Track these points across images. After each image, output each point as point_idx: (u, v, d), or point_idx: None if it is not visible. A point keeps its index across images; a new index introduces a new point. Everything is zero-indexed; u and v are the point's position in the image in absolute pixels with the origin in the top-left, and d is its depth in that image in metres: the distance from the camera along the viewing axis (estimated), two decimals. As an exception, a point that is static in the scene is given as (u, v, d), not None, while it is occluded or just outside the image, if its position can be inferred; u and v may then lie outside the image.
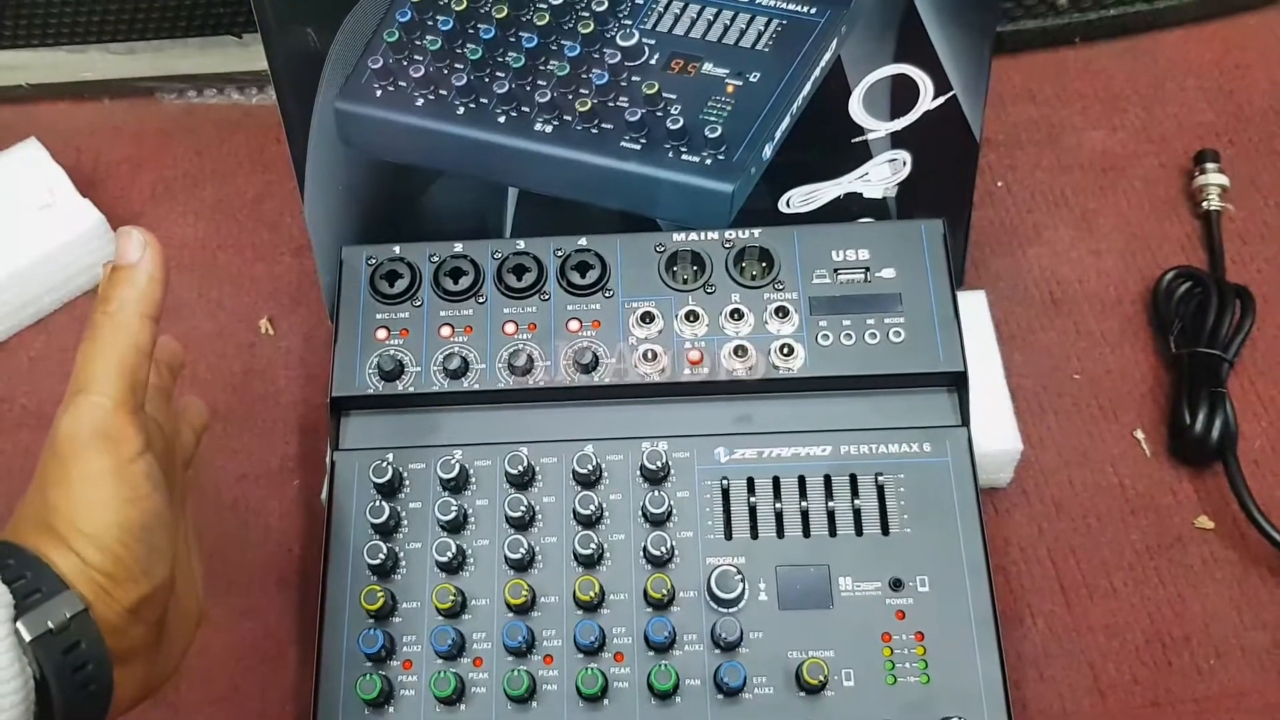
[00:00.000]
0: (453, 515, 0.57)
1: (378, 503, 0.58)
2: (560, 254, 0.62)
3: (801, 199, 0.66)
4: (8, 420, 0.71)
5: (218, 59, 0.83)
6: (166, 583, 0.47)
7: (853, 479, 0.58)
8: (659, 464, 0.58)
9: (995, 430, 0.63)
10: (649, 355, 0.60)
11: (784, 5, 0.61)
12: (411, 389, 0.60)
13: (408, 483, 0.59)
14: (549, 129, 0.62)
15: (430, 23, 0.62)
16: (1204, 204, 0.74)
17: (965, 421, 0.59)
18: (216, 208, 0.78)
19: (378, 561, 0.56)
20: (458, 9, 0.61)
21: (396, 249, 0.63)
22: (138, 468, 0.45)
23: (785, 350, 0.60)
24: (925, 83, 0.62)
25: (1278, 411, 0.67)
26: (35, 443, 0.69)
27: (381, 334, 0.61)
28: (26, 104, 0.84)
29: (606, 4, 0.61)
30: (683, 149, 0.62)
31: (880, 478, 0.58)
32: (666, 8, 0.62)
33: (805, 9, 0.61)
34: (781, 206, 0.67)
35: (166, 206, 0.79)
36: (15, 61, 0.82)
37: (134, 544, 0.45)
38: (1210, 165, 0.75)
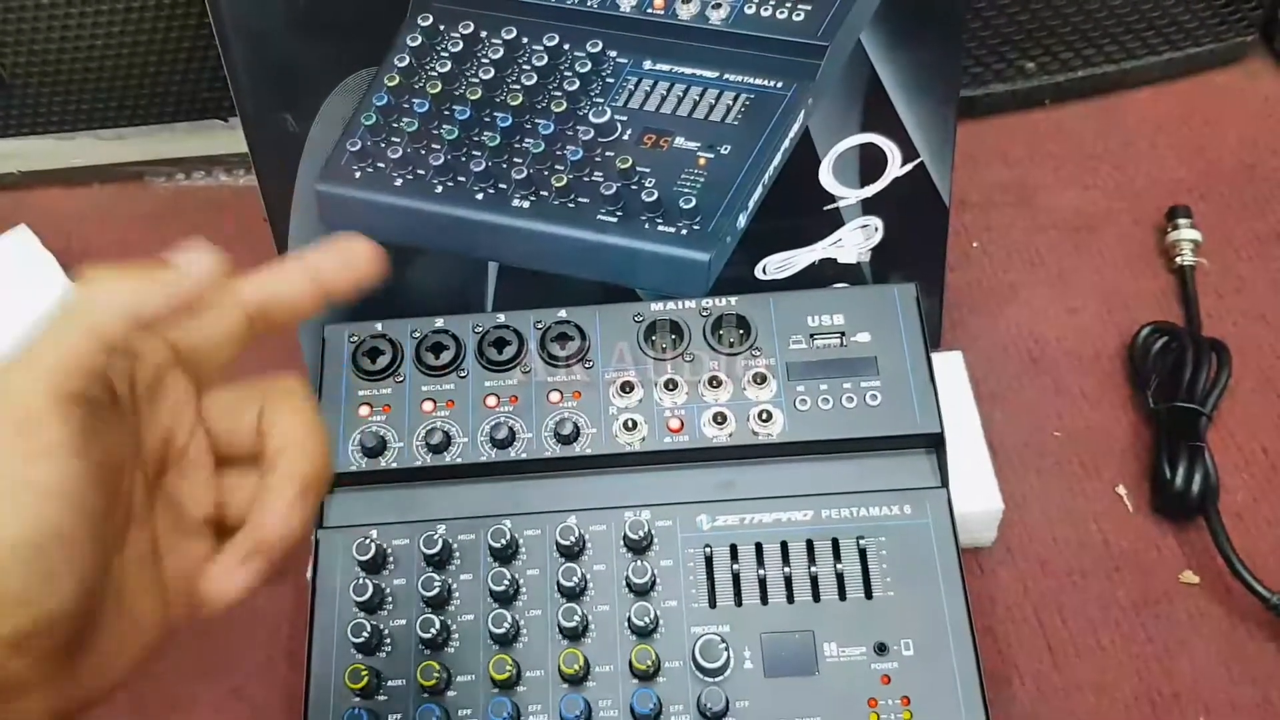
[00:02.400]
0: (436, 591, 0.57)
1: (361, 580, 0.58)
2: (540, 326, 0.63)
3: (777, 266, 0.67)
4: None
5: (204, 142, 0.84)
6: (71, 609, 0.37)
7: (835, 543, 0.58)
8: (641, 533, 0.58)
9: (976, 490, 0.63)
10: (629, 425, 0.60)
11: (751, 80, 0.62)
12: (394, 465, 0.60)
13: (391, 559, 0.59)
14: (526, 204, 0.64)
15: (406, 105, 0.63)
16: (1178, 259, 0.75)
17: (944, 482, 0.59)
18: (204, 288, 0.79)
19: (362, 639, 0.56)
20: (433, 92, 0.63)
21: (378, 326, 0.64)
22: (45, 469, 0.36)
23: (764, 416, 0.60)
24: (893, 151, 0.64)
25: (1258, 464, 0.68)
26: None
27: (364, 410, 0.62)
28: (16, 190, 0.85)
29: (578, 83, 0.63)
30: (659, 220, 0.63)
31: (862, 541, 0.58)
32: (637, 85, 0.63)
33: (772, 83, 0.62)
34: (758, 273, 0.68)
35: (154, 288, 0.80)
36: (7, 149, 0.84)
37: (13, 565, 0.35)
38: (1182, 221, 0.76)
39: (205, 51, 0.79)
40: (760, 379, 0.61)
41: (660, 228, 0.63)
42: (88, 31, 0.78)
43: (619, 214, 0.63)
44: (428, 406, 0.62)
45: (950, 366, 0.67)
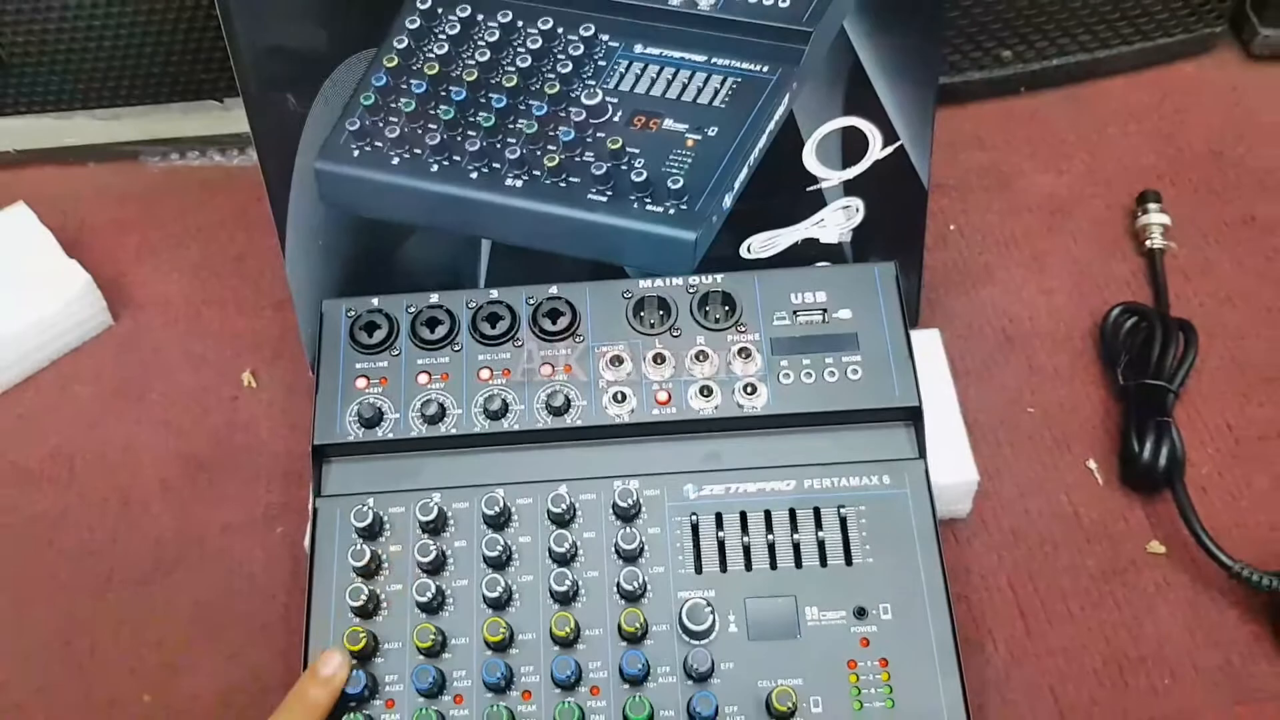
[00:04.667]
0: (432, 557, 0.59)
1: (359, 546, 0.60)
2: (532, 302, 0.65)
3: (761, 245, 0.70)
4: (-3, 476, 0.73)
5: (200, 123, 0.86)
6: None
7: (816, 512, 0.60)
8: (630, 502, 0.60)
9: (953, 462, 0.65)
10: (619, 397, 0.62)
11: (738, 64, 0.64)
12: (391, 435, 0.62)
13: (388, 526, 0.61)
14: (519, 184, 0.65)
15: (404, 86, 0.65)
16: (1147, 242, 0.78)
17: (922, 454, 0.61)
18: (200, 266, 0.81)
19: (359, 603, 0.58)
20: (430, 73, 0.65)
21: (375, 301, 0.66)
22: None
23: (749, 390, 0.62)
24: (874, 134, 0.66)
25: (1223, 439, 0.70)
26: (22, 500, 0.71)
27: (361, 383, 0.64)
28: (14, 169, 0.87)
29: (571, 66, 0.65)
30: (647, 200, 0.65)
31: (842, 510, 0.60)
32: (628, 68, 0.65)
33: (758, 67, 0.64)
34: (743, 252, 0.70)
35: (151, 265, 0.81)
36: (4, 128, 0.85)
37: None
38: (1152, 205, 0.78)
39: (202, 33, 0.80)
40: (745, 354, 0.63)
41: (649, 207, 0.65)
42: (86, 11, 0.79)
43: (609, 193, 0.65)
44: (423, 379, 0.64)
45: (928, 344, 0.69)
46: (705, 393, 0.62)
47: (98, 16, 0.79)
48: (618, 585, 0.58)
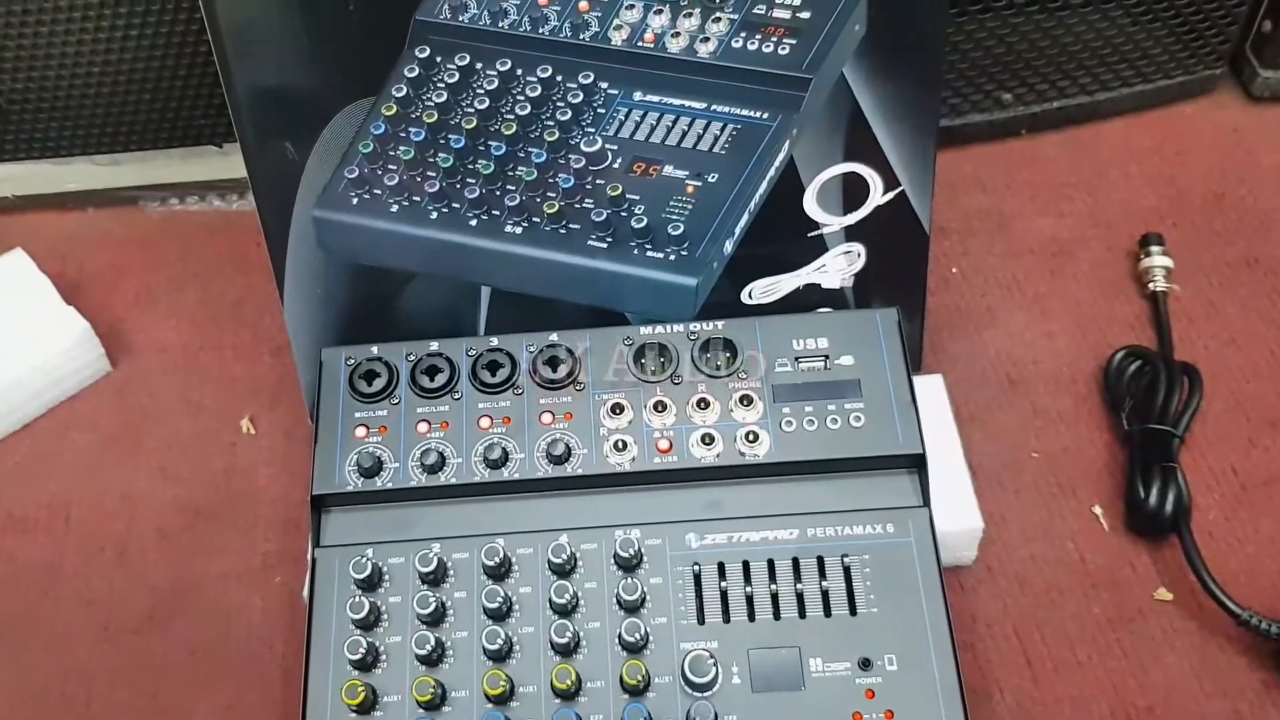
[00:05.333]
0: (431, 608, 0.58)
1: (358, 598, 0.59)
2: (532, 349, 0.65)
3: (762, 291, 0.69)
4: (-8, 525, 0.72)
5: (199, 168, 0.86)
6: None
7: (820, 561, 0.60)
8: (632, 552, 0.59)
9: (957, 509, 0.65)
10: (620, 445, 0.62)
11: (738, 111, 0.64)
12: (390, 485, 0.62)
13: (387, 577, 0.60)
14: (519, 230, 0.65)
15: (403, 134, 0.65)
16: (1150, 285, 0.77)
17: (926, 502, 0.61)
18: (198, 311, 0.81)
19: (358, 656, 0.57)
20: (429, 121, 0.65)
21: (374, 349, 0.65)
22: None
23: (751, 437, 0.62)
24: (874, 180, 0.66)
25: (1229, 484, 0.70)
26: (19, 549, 0.71)
27: (360, 432, 0.63)
28: (12, 214, 0.87)
29: (570, 113, 0.65)
30: (647, 246, 0.65)
31: (846, 559, 0.60)
32: (627, 115, 0.65)
33: (758, 114, 0.64)
34: (744, 298, 0.69)
35: (150, 311, 0.81)
36: (4, 174, 0.85)
37: None
38: (1155, 248, 0.78)
39: (200, 80, 0.80)
40: (747, 401, 0.63)
41: (649, 253, 0.65)
42: (85, 59, 0.79)
43: (609, 240, 0.65)
44: (423, 428, 0.63)
45: (932, 389, 0.69)
46: (707, 440, 0.62)
47: (97, 63, 0.79)
48: (619, 636, 0.58)
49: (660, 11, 0.63)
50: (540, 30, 0.64)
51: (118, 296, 0.82)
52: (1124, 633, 0.65)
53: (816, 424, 0.62)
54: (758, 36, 0.63)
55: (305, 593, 0.61)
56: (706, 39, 0.63)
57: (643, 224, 0.64)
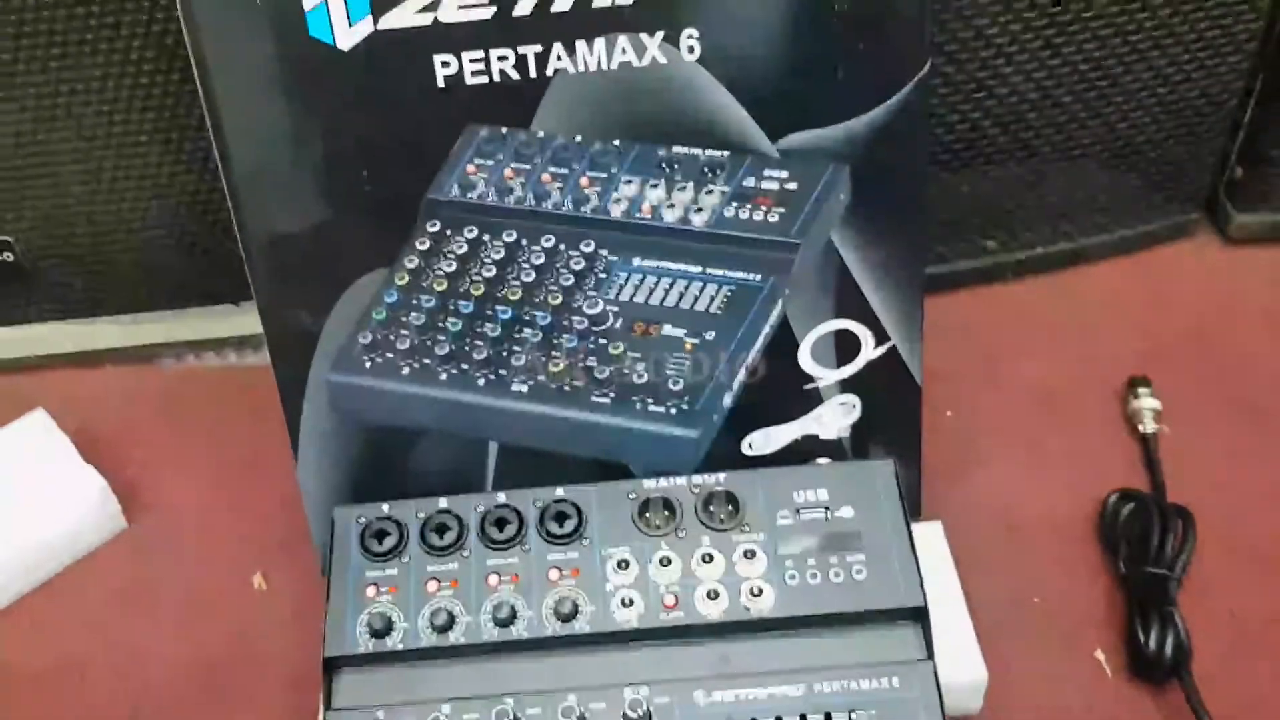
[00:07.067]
0: (442, 770, 0.59)
1: (369, 761, 0.59)
2: (539, 505, 0.66)
3: (761, 442, 0.71)
4: (7, 686, 0.72)
5: (218, 324, 0.88)
6: None
7: (827, 717, 0.60)
8: (641, 712, 0.60)
9: (961, 660, 0.66)
10: (626, 601, 0.63)
11: (732, 274, 0.67)
12: (400, 645, 0.63)
13: (398, 739, 0.61)
14: (525, 388, 0.68)
15: (415, 302, 0.68)
16: (1140, 427, 0.79)
17: (929, 655, 0.62)
18: (212, 467, 0.83)
19: (370, 821, 0.58)
20: (439, 289, 0.68)
21: (385, 507, 0.67)
22: None
23: (755, 592, 0.63)
24: (865, 335, 0.68)
25: (1227, 626, 0.70)
26: (34, 709, 0.71)
27: (371, 591, 0.64)
28: (33, 372, 0.89)
29: (573, 279, 0.68)
30: (649, 401, 0.67)
31: (854, 715, 0.60)
32: (627, 279, 0.68)
33: (751, 276, 0.67)
34: (744, 449, 0.71)
35: (165, 469, 0.83)
36: (28, 335, 0.88)
37: None
38: (1143, 390, 0.80)
39: (221, 243, 0.83)
40: (750, 555, 0.64)
41: (651, 407, 0.67)
42: (109, 224, 0.82)
43: (612, 395, 0.67)
44: (432, 586, 0.64)
45: (931, 537, 0.70)
46: (712, 596, 0.63)
47: (122, 226, 0.82)
48: (629, 797, 0.58)
49: (656, 186, 0.67)
50: (544, 204, 0.68)
51: (135, 453, 0.83)
52: (1132, 781, 0.65)
53: (819, 577, 0.63)
54: (748, 206, 0.66)
55: (317, 755, 0.61)
56: (700, 209, 0.67)
57: (644, 380, 0.66)
